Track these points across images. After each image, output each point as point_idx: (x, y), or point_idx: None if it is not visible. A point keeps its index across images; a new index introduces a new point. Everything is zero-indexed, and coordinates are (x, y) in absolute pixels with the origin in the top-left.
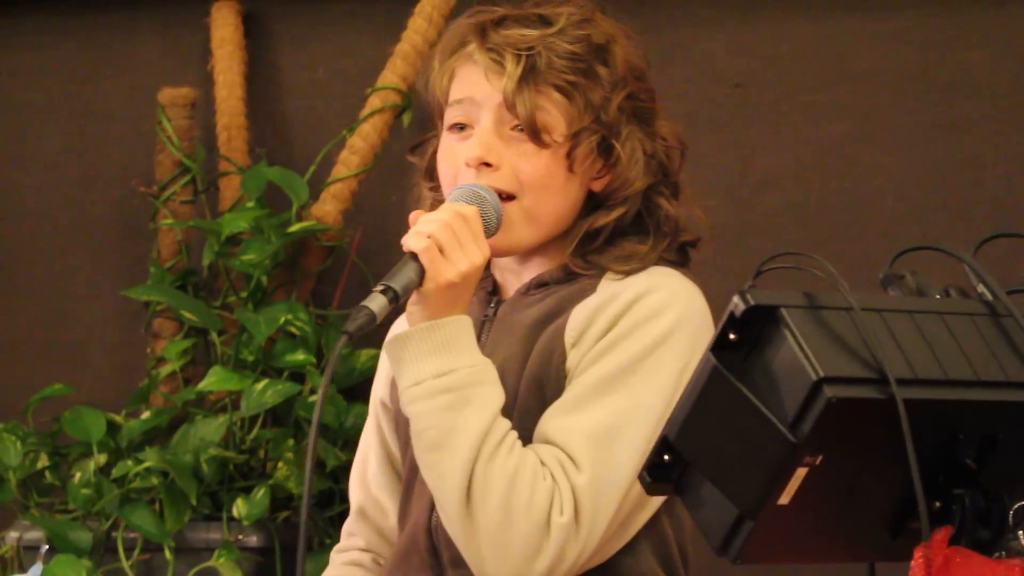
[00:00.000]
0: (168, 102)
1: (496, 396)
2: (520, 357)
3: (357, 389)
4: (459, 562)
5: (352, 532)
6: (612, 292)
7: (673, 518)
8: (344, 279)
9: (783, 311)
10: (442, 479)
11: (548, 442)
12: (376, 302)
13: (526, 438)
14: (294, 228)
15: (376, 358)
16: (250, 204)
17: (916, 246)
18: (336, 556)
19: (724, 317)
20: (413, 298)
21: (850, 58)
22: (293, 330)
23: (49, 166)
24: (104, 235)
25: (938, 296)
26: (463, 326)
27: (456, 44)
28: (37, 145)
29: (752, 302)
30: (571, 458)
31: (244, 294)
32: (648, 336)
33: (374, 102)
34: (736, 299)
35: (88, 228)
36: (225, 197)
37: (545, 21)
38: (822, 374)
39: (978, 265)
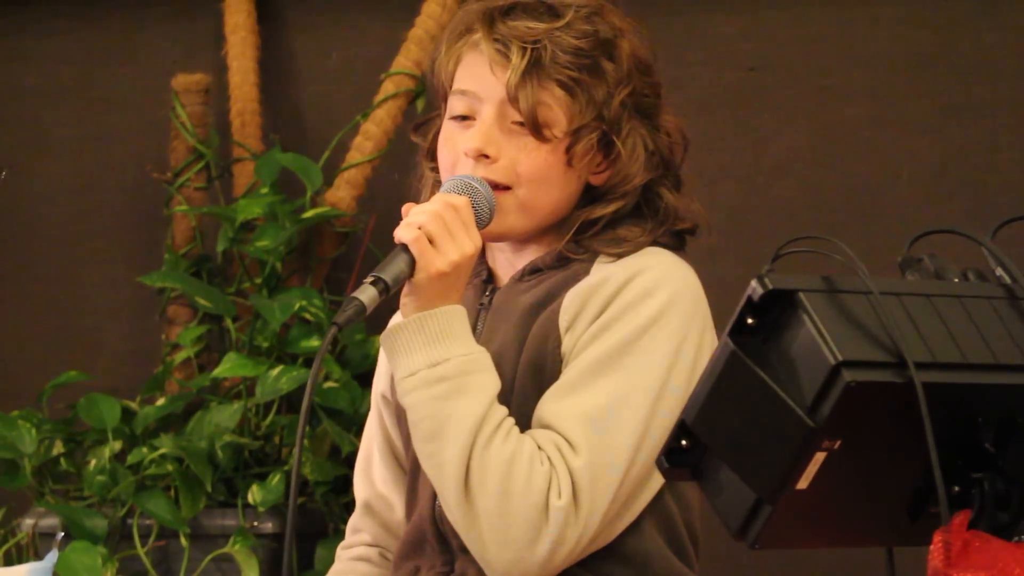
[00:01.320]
0: (182, 88)
1: (491, 383)
2: (516, 343)
3: (372, 375)
4: (468, 548)
5: (358, 528)
6: (604, 275)
7: (677, 497)
8: (358, 265)
9: (801, 295)
10: (440, 468)
11: (545, 426)
12: (366, 293)
13: (525, 424)
14: (308, 214)
15: None
16: (264, 190)
17: (934, 230)
18: (342, 552)
19: (742, 301)
20: (405, 289)
21: (864, 41)
22: (308, 316)
23: (63, 153)
24: (118, 222)
25: (956, 280)
26: (456, 315)
27: (463, 29)
28: (50, 132)
29: (770, 286)
30: (568, 441)
31: (258, 280)
32: (641, 316)
33: (388, 88)
34: (754, 283)
35: (102, 215)
36: (239, 183)
37: (554, 13)
38: (840, 358)
39: (996, 248)
